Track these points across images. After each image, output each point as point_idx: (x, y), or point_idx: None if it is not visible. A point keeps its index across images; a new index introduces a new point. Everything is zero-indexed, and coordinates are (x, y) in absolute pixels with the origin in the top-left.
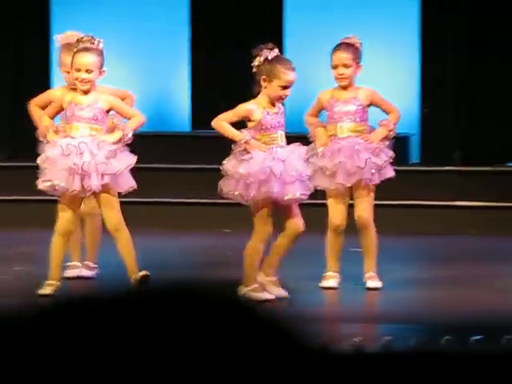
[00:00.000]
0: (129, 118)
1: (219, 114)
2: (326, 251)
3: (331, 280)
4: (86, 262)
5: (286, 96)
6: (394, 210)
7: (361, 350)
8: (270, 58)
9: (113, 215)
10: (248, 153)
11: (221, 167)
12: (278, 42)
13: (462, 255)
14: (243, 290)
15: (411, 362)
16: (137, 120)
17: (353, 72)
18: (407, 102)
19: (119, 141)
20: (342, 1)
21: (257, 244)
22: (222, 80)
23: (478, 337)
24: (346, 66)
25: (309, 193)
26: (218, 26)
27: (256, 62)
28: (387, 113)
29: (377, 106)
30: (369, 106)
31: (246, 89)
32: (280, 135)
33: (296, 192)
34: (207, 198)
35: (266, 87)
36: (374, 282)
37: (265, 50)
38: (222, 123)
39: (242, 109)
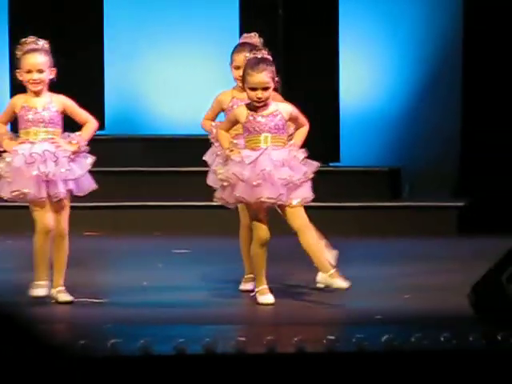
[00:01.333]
0: (81, 122)
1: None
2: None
3: (250, 283)
4: None
5: (260, 98)
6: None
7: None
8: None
9: (66, 220)
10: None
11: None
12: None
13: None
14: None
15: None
16: (90, 128)
17: None
18: None
19: (75, 153)
20: None
21: (255, 248)
22: None
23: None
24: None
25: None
26: None
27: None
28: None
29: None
30: None
31: None
32: (264, 138)
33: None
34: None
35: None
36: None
37: (248, 54)
38: (221, 132)
39: (231, 114)
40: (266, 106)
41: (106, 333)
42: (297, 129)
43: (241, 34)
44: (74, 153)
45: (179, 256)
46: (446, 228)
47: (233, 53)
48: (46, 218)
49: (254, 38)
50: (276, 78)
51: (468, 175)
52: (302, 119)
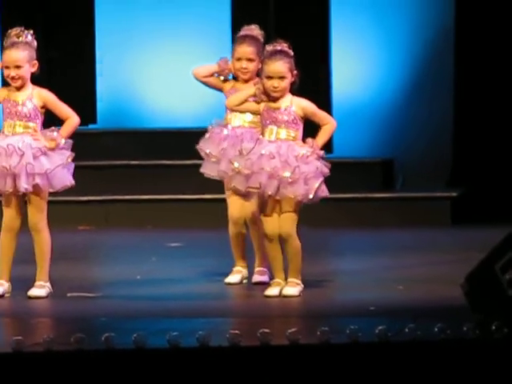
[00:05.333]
0: (62, 117)
1: None
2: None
3: (237, 275)
4: None
5: (275, 87)
6: None
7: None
8: None
9: (36, 215)
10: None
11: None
12: None
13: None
14: None
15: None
16: (70, 124)
17: (256, 66)
18: None
19: (52, 149)
20: None
21: (265, 243)
22: None
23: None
24: (250, 59)
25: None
26: None
27: None
28: None
29: None
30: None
31: None
32: (269, 130)
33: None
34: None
35: None
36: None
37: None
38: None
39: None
40: (280, 98)
41: (99, 327)
42: (320, 127)
43: (233, 25)
44: (50, 149)
45: (172, 249)
46: (440, 218)
47: (234, 44)
48: (9, 214)
49: (255, 30)
50: (294, 71)
51: (461, 165)
52: (322, 116)
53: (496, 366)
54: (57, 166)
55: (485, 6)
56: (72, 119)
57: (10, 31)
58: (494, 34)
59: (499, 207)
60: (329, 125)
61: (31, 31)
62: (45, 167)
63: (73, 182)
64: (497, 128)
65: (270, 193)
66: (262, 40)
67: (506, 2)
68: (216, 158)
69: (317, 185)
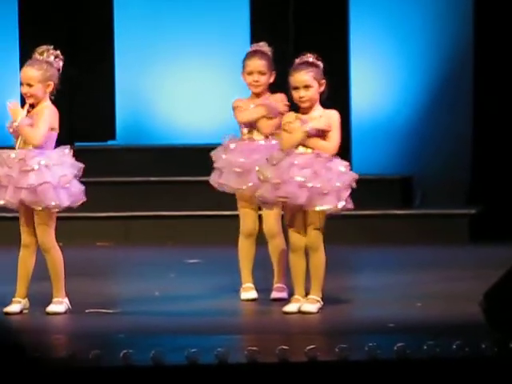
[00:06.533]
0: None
1: None
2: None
3: (251, 292)
4: None
5: (302, 97)
6: None
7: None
8: None
9: (42, 234)
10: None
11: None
12: None
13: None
14: None
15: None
16: (32, 135)
17: (267, 79)
18: None
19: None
20: None
21: (289, 255)
22: None
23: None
24: (261, 72)
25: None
26: None
27: None
28: None
29: None
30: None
31: None
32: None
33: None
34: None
35: None
36: (279, 294)
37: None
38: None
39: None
40: (310, 108)
41: (117, 343)
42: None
43: (252, 41)
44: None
45: (191, 266)
46: (458, 236)
47: (244, 59)
48: (23, 231)
49: (263, 46)
50: (322, 81)
51: (480, 182)
52: (333, 136)
53: None
54: (43, 183)
55: (503, 21)
56: (35, 141)
57: (38, 48)
58: None
59: None
60: (328, 145)
61: (58, 52)
62: (30, 181)
63: (58, 202)
64: None
65: (300, 203)
66: (271, 55)
67: None
68: (241, 168)
69: (346, 197)
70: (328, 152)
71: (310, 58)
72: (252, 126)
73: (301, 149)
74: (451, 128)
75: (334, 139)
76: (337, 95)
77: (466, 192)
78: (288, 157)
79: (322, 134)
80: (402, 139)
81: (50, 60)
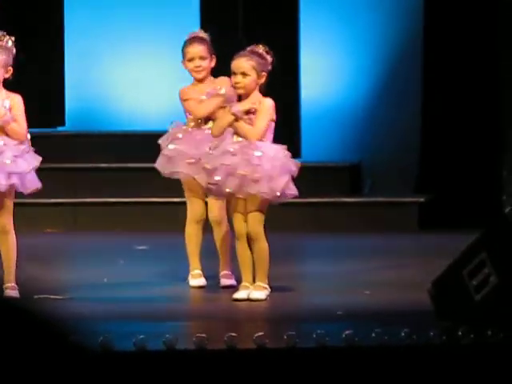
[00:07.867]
0: (15, 129)
1: None
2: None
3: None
4: None
5: (236, 82)
6: None
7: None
8: None
9: (6, 216)
10: None
11: None
12: None
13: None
14: None
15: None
16: (17, 134)
17: (209, 64)
18: None
19: None
20: None
21: (235, 243)
22: None
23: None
24: (202, 58)
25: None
26: None
27: None
28: None
29: None
30: None
31: None
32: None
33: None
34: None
35: None
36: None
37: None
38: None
39: None
40: (246, 96)
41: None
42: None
43: (202, 28)
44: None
45: (140, 252)
46: (407, 224)
47: (183, 48)
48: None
49: (200, 32)
50: (263, 73)
51: (429, 170)
52: (258, 122)
53: (462, 371)
54: (32, 168)
55: (453, 11)
56: (21, 136)
57: None
58: (463, 38)
59: (466, 213)
60: (252, 130)
61: (12, 38)
62: (22, 167)
63: (40, 184)
64: (464, 133)
65: (228, 190)
66: (209, 40)
67: (474, 7)
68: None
69: (283, 183)
70: (251, 137)
71: (260, 49)
72: (209, 117)
73: (236, 138)
74: (400, 116)
75: (259, 125)
76: (286, 82)
77: (415, 180)
78: (222, 144)
79: (251, 120)
80: (352, 127)
81: (8, 46)
